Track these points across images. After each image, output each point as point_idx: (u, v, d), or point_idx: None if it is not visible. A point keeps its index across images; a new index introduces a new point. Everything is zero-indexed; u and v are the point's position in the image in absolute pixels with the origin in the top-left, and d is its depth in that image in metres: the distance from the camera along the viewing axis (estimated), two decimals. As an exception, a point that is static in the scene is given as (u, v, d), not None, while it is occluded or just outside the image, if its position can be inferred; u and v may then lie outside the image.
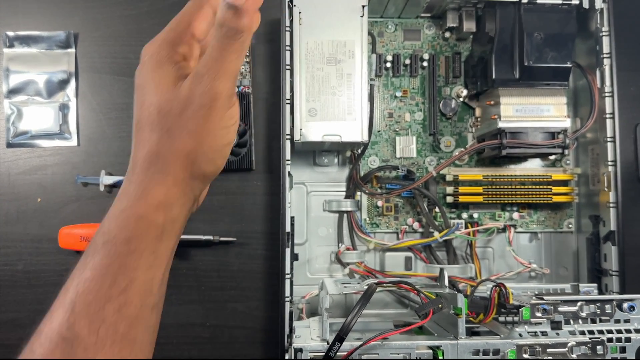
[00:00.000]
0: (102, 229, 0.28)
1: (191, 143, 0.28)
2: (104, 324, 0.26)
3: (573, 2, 0.52)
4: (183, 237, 0.57)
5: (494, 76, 0.52)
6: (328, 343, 0.40)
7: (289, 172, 0.50)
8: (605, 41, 0.52)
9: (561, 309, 0.43)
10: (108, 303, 0.26)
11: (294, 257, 0.54)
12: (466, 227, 0.57)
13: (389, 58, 0.58)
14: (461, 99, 0.59)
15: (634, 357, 0.43)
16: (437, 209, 0.57)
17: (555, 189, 0.56)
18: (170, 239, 0.29)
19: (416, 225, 0.58)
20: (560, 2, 0.52)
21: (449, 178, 0.56)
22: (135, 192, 0.28)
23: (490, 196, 0.56)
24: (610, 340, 0.43)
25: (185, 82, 0.29)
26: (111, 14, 0.59)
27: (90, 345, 0.26)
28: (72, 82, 0.58)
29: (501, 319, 0.46)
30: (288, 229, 0.49)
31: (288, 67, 0.50)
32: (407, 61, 0.58)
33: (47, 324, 0.26)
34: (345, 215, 0.58)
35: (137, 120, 0.29)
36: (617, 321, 0.44)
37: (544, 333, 0.43)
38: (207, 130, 0.28)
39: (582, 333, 0.43)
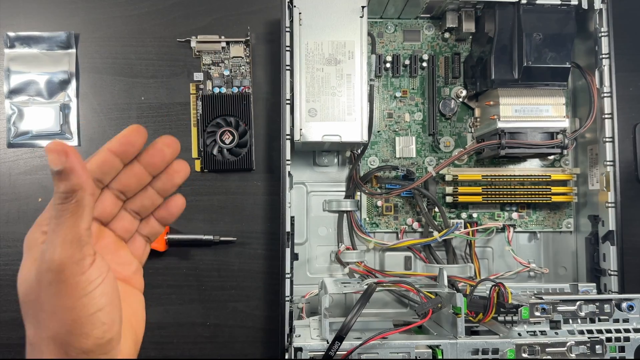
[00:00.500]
0: None
1: (53, 325, 0.26)
2: None
3: (572, 3, 0.52)
4: (184, 236, 0.58)
5: (493, 76, 0.52)
6: (328, 342, 0.40)
7: (289, 172, 0.50)
8: (604, 42, 0.52)
9: (560, 308, 0.44)
10: None
11: (294, 256, 0.54)
12: (465, 227, 0.57)
13: (389, 58, 0.58)
14: (460, 99, 0.59)
15: (632, 357, 0.43)
16: (436, 209, 0.57)
17: (554, 189, 0.56)
18: None
19: (416, 225, 0.58)
20: (559, 2, 0.52)
21: (448, 178, 0.56)
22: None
23: (489, 196, 0.56)
24: (609, 339, 0.43)
25: (39, 258, 0.26)
26: (112, 15, 0.59)
27: None
28: (73, 83, 0.58)
29: (500, 318, 0.47)
30: (288, 228, 0.50)
31: (288, 67, 0.50)
32: (407, 62, 0.59)
33: None
34: (345, 215, 0.58)
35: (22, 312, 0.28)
36: (616, 321, 0.44)
37: (543, 332, 0.43)
38: (64, 307, 0.25)
39: (581, 332, 0.43)
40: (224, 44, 0.59)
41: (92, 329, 0.26)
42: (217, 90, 0.58)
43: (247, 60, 0.59)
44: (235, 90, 0.58)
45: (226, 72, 0.58)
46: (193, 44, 0.58)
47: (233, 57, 0.59)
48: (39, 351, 0.26)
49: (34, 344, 0.26)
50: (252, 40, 0.59)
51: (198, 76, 0.59)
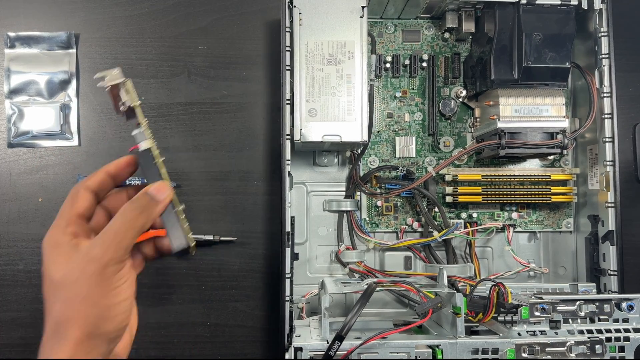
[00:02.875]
0: None
1: (85, 308, 0.31)
2: None
3: (572, 3, 0.52)
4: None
5: (493, 77, 0.52)
6: (328, 342, 0.40)
7: (289, 172, 0.50)
8: (604, 42, 0.52)
9: (560, 308, 0.44)
10: None
11: (294, 256, 0.54)
12: (465, 227, 0.57)
13: (389, 59, 0.58)
14: (460, 100, 0.59)
15: (632, 357, 0.43)
16: (436, 209, 0.57)
17: (554, 189, 0.56)
18: None
19: (415, 224, 0.58)
20: (559, 2, 0.52)
21: (448, 178, 0.56)
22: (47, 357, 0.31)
23: (489, 196, 0.56)
24: (609, 339, 0.43)
25: (79, 253, 0.32)
26: (112, 15, 0.59)
27: None
28: (73, 83, 0.58)
29: (500, 318, 0.47)
30: (288, 228, 0.50)
31: (288, 67, 0.50)
32: (407, 62, 0.59)
33: None
34: (345, 215, 0.58)
35: (44, 292, 0.32)
36: (616, 320, 0.44)
37: (542, 332, 0.43)
38: (99, 294, 0.31)
39: (581, 332, 0.43)
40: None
41: (116, 315, 0.32)
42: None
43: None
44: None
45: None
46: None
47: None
48: (64, 328, 0.30)
49: (60, 322, 0.31)
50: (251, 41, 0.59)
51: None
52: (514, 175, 0.56)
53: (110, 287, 0.32)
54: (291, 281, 0.51)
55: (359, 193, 0.58)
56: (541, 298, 0.44)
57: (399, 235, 0.58)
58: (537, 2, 0.51)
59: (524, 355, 0.42)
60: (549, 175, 0.56)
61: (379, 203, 0.58)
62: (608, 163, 0.52)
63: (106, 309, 0.31)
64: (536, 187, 0.56)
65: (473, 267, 0.56)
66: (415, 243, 0.57)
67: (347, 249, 0.58)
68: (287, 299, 0.49)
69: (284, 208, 0.49)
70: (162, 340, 0.57)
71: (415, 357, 0.41)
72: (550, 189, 0.56)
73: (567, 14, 0.52)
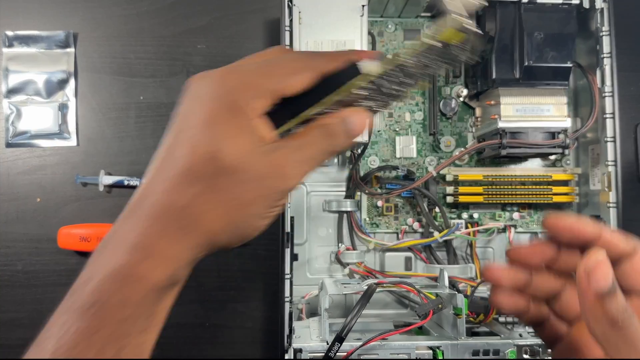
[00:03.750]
0: (92, 283, 0.24)
1: (234, 213, 0.26)
2: None
3: (573, 2, 0.51)
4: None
5: (494, 76, 0.52)
6: (328, 343, 0.40)
7: None
8: (606, 41, 0.52)
9: (561, 309, 0.43)
10: None
11: (294, 257, 0.53)
12: (466, 227, 0.57)
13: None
14: (461, 99, 0.58)
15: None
16: (437, 209, 0.57)
17: (556, 189, 0.56)
18: (169, 300, 0.27)
19: (416, 225, 0.58)
20: (561, 1, 0.51)
21: (449, 178, 0.56)
22: (138, 244, 0.24)
23: (490, 196, 0.56)
24: (610, 340, 0.43)
25: (269, 152, 0.26)
26: (111, 14, 0.59)
27: None
28: (72, 82, 0.58)
29: (501, 319, 0.46)
30: (288, 229, 0.49)
31: (288, 66, 0.50)
32: (407, 61, 0.58)
33: None
34: (345, 215, 0.58)
35: (179, 161, 0.25)
36: (618, 321, 0.44)
37: (544, 333, 0.43)
38: (256, 207, 0.26)
39: (583, 333, 0.43)
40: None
41: (245, 237, 0.28)
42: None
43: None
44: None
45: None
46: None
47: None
48: (192, 221, 0.25)
49: (191, 211, 0.25)
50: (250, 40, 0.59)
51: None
52: (515, 175, 0.56)
53: (269, 206, 0.27)
54: (291, 282, 0.50)
55: (359, 193, 0.58)
56: (543, 299, 0.44)
57: (400, 235, 0.58)
58: (538, 1, 0.51)
59: (525, 356, 0.42)
60: (551, 176, 0.56)
61: (379, 203, 0.58)
62: (610, 163, 0.52)
63: (249, 227, 0.27)
64: (537, 187, 0.56)
65: (474, 268, 0.56)
66: (416, 243, 0.56)
67: (347, 249, 0.57)
68: (286, 300, 0.49)
69: (284, 208, 0.49)
70: (161, 341, 0.56)
71: (416, 358, 0.41)
72: (551, 189, 0.56)
73: (568, 13, 0.51)
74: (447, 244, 0.57)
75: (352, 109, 0.27)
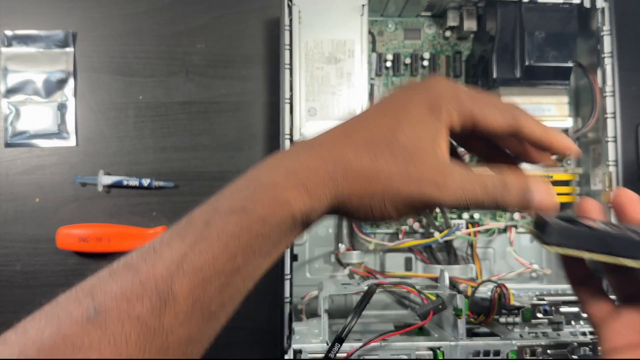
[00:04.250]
0: (246, 191, 0.26)
1: (377, 186, 0.26)
2: (204, 295, 0.24)
3: (574, 1, 0.51)
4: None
5: (495, 75, 0.51)
6: (328, 344, 0.40)
7: None
8: (607, 40, 0.52)
9: (562, 309, 0.43)
10: (216, 276, 0.24)
11: (294, 257, 0.53)
12: (467, 228, 0.57)
13: (389, 57, 0.58)
14: (462, 99, 0.58)
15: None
16: (437, 209, 0.57)
17: (557, 189, 0.55)
18: (292, 237, 0.27)
19: (416, 225, 0.58)
20: (562, 1, 0.51)
21: (449, 178, 0.56)
22: (296, 172, 0.26)
23: (490, 196, 0.55)
24: (611, 341, 0.42)
25: (440, 157, 0.27)
26: (110, 14, 0.59)
27: (181, 312, 0.23)
28: (71, 82, 0.58)
29: (502, 319, 0.46)
30: (287, 229, 0.49)
31: (288, 66, 0.50)
32: (408, 60, 0.58)
33: (150, 266, 0.23)
34: (345, 215, 0.58)
35: (381, 131, 0.27)
36: (619, 322, 0.44)
37: (544, 334, 0.43)
38: (395, 194, 0.26)
39: (583, 334, 0.43)
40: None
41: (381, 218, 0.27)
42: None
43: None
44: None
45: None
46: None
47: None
48: (367, 183, 0.26)
49: (367, 175, 0.26)
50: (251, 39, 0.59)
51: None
52: (516, 175, 0.56)
53: (406, 201, 0.27)
54: (291, 282, 0.50)
55: (359, 193, 0.58)
56: (543, 299, 0.44)
57: (400, 236, 0.58)
58: (539, 0, 0.51)
59: (526, 357, 0.41)
60: (552, 176, 0.56)
61: (380, 203, 0.58)
62: (611, 163, 0.51)
63: (387, 202, 0.26)
64: (538, 187, 0.56)
65: (474, 268, 0.56)
66: (416, 244, 0.56)
67: (347, 250, 0.57)
68: (286, 300, 0.48)
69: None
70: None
71: (416, 358, 0.41)
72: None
73: (569, 12, 0.51)
74: (447, 245, 0.57)
75: (540, 179, 0.28)
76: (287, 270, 0.49)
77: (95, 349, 0.21)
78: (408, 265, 0.58)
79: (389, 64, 0.58)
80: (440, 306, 0.42)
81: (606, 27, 0.52)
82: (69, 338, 0.22)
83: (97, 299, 0.22)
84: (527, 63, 0.50)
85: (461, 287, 0.51)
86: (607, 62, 0.52)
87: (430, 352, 0.41)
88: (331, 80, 0.50)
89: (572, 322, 0.43)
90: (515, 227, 0.58)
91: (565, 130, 0.52)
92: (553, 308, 0.43)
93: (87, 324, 0.22)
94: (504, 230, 0.57)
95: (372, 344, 0.40)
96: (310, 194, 0.26)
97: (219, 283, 0.24)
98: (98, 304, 0.22)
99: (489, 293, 0.44)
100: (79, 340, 0.21)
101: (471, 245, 0.57)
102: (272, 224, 0.25)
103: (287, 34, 0.50)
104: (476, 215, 0.58)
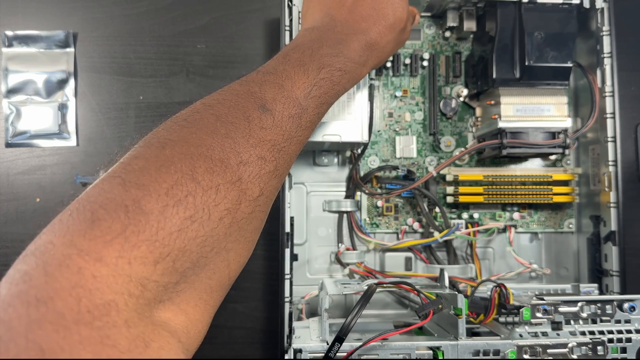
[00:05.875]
0: (327, 47, 0.38)
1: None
2: (320, 111, 0.37)
3: (574, 2, 0.51)
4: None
5: (494, 76, 0.51)
6: (328, 344, 0.40)
7: (288, 172, 0.50)
8: (606, 41, 0.52)
9: (562, 309, 0.43)
10: (325, 102, 0.37)
11: (294, 257, 0.53)
12: (466, 227, 0.57)
13: (389, 57, 0.58)
14: (461, 99, 0.58)
15: (634, 357, 0.43)
16: (437, 209, 0.57)
17: (556, 189, 0.56)
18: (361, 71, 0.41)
19: (416, 225, 0.58)
20: (561, 1, 0.51)
21: (449, 178, 0.56)
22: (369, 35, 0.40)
23: (490, 196, 0.56)
24: (610, 340, 0.43)
25: None
26: (110, 14, 0.59)
27: (309, 119, 0.35)
28: (71, 82, 0.58)
29: (501, 319, 0.46)
30: (288, 229, 0.49)
31: (288, 66, 0.50)
32: (407, 61, 0.58)
33: (290, 87, 0.34)
34: (345, 215, 0.58)
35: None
36: (618, 321, 0.44)
37: (544, 333, 0.43)
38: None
39: (583, 333, 0.43)
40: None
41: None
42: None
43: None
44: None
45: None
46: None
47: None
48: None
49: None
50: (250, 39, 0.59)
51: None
52: (516, 176, 0.56)
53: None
54: (291, 282, 0.50)
55: (359, 193, 0.58)
56: (543, 299, 0.43)
57: (400, 235, 0.58)
58: (538, 1, 0.51)
59: (526, 356, 0.41)
60: (551, 176, 0.56)
61: (380, 203, 0.58)
62: (610, 163, 0.51)
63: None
64: (538, 187, 0.56)
65: (474, 268, 0.56)
66: (416, 244, 0.56)
67: (347, 249, 0.57)
68: (286, 300, 0.49)
69: (284, 208, 0.49)
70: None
71: (416, 358, 0.41)
72: (552, 189, 0.56)
73: (568, 12, 0.51)
74: (447, 244, 0.57)
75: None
76: (287, 270, 0.49)
77: (270, 128, 0.32)
78: (408, 265, 0.58)
79: (388, 64, 0.58)
80: (440, 306, 0.42)
81: (606, 27, 0.52)
82: (251, 119, 0.31)
83: (261, 100, 0.32)
84: (526, 63, 0.50)
85: (461, 286, 0.51)
86: (607, 62, 0.52)
87: (430, 352, 0.41)
88: (331, 81, 0.50)
89: (572, 322, 0.43)
90: (515, 227, 0.58)
91: (565, 131, 0.52)
92: (553, 308, 0.43)
93: (261, 114, 0.32)
94: (504, 230, 0.58)
95: (372, 344, 0.40)
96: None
97: (327, 105, 0.37)
98: (265, 103, 0.32)
99: (489, 293, 0.44)
100: (257, 120, 0.31)
101: (471, 245, 0.57)
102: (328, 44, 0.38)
103: (287, 34, 0.50)
104: (476, 215, 0.58)
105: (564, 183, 0.57)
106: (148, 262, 0.23)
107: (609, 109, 0.52)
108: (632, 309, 0.44)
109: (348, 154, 0.58)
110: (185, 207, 0.25)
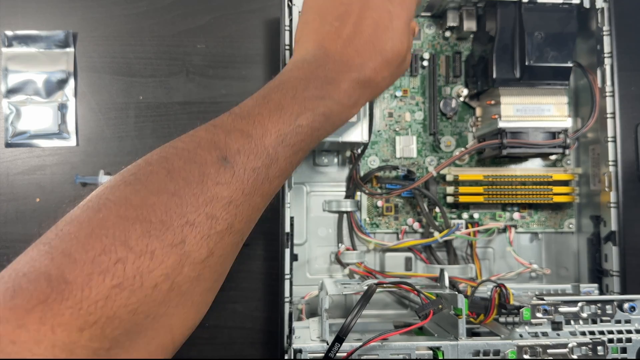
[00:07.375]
0: (309, 89, 0.35)
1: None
2: (293, 159, 0.34)
3: (574, 2, 0.51)
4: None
5: (494, 76, 0.51)
6: (328, 344, 0.40)
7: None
8: (606, 41, 0.52)
9: (562, 309, 0.43)
10: (302, 150, 0.35)
11: (294, 257, 0.53)
12: (466, 228, 0.57)
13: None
14: (461, 99, 0.58)
15: (634, 358, 0.43)
16: (437, 209, 0.57)
17: (556, 189, 0.56)
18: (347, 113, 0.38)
19: (416, 225, 0.58)
20: (561, 1, 0.51)
21: (449, 178, 0.56)
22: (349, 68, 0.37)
23: (490, 196, 0.56)
24: (611, 340, 0.43)
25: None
26: (110, 14, 0.59)
27: (279, 168, 0.33)
28: (71, 82, 0.58)
29: (502, 319, 0.46)
30: (287, 229, 0.49)
31: (288, 66, 0.50)
32: (407, 61, 0.58)
33: (260, 136, 0.32)
34: (345, 215, 0.58)
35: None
36: (618, 322, 0.44)
37: (544, 334, 0.43)
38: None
39: (583, 334, 0.43)
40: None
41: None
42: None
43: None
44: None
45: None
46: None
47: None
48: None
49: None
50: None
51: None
52: (516, 176, 0.56)
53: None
54: (290, 282, 0.50)
55: (359, 193, 0.58)
56: (543, 299, 0.43)
57: (400, 235, 0.58)
58: (538, 1, 0.51)
59: (526, 356, 0.41)
60: (551, 176, 0.56)
61: (380, 203, 0.58)
62: (610, 163, 0.51)
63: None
64: (538, 187, 0.56)
65: (474, 268, 0.56)
66: (416, 244, 0.56)
67: (347, 249, 0.57)
68: (286, 300, 0.48)
69: (284, 208, 0.49)
70: (160, 341, 0.56)
71: (416, 358, 0.41)
72: (552, 189, 0.56)
73: (569, 12, 0.51)
74: (447, 244, 0.57)
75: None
76: (287, 270, 0.49)
77: (227, 183, 0.30)
78: (408, 265, 0.58)
79: (388, 64, 0.58)
80: (440, 306, 0.42)
81: (606, 27, 0.52)
82: (207, 175, 0.29)
83: (223, 152, 0.30)
84: (526, 63, 0.50)
85: (461, 286, 0.51)
86: (607, 62, 0.52)
87: (430, 352, 0.41)
88: (331, 81, 0.50)
89: (572, 322, 0.43)
90: (515, 227, 0.58)
91: (565, 131, 0.52)
92: (553, 308, 0.43)
93: (219, 167, 0.30)
94: (504, 230, 0.58)
95: (372, 344, 0.40)
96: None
97: (303, 152, 0.35)
98: (227, 155, 0.30)
99: (489, 293, 0.44)
100: (215, 175, 0.30)
101: (471, 245, 0.57)
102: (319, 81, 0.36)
103: (287, 34, 0.50)
104: (476, 215, 0.58)
105: (564, 183, 0.57)
106: (72, 329, 0.23)
107: (609, 109, 0.52)
108: (632, 309, 0.44)
109: (348, 154, 0.58)
110: (112, 275, 0.24)
